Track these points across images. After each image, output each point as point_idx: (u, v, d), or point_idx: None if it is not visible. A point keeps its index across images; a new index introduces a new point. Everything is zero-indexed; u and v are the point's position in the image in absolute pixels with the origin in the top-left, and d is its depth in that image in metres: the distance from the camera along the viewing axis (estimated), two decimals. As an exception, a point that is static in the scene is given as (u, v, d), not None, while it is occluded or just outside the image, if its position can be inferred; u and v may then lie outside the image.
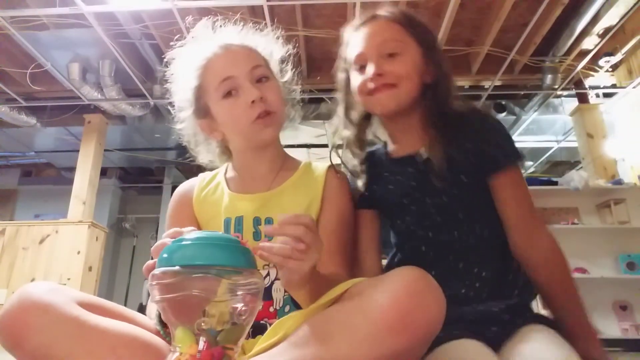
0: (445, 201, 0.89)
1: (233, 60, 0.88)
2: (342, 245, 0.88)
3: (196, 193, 0.98)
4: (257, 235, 0.88)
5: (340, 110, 1.01)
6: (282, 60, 0.99)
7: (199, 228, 0.95)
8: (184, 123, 0.97)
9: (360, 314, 0.59)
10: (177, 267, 0.55)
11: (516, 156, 0.87)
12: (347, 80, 0.98)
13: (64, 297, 0.65)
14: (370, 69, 0.89)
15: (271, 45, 0.98)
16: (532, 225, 0.84)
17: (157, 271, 0.56)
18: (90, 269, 3.38)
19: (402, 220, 0.94)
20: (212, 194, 0.97)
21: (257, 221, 0.89)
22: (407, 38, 0.91)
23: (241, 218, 0.90)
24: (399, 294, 0.57)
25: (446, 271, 0.86)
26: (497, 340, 0.78)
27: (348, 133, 0.99)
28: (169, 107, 1.00)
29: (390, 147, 0.98)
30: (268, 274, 0.87)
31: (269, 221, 0.88)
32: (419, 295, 0.57)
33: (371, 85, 0.89)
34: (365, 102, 0.93)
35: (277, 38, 0.99)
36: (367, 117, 0.99)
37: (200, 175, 1.03)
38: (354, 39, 0.95)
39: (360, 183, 0.95)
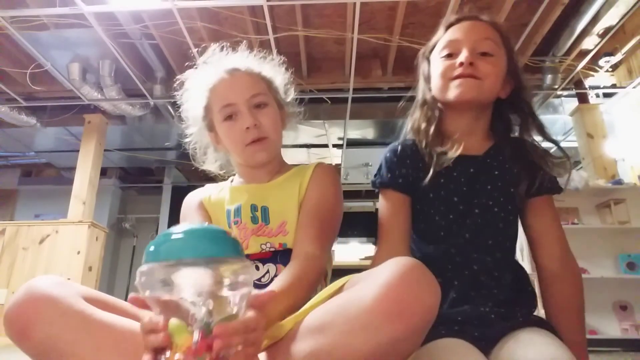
0: (490, 205, 0.92)
1: (235, 87, 0.96)
2: (319, 223, 0.90)
3: (206, 196, 1.04)
4: (254, 220, 0.95)
5: (418, 99, 1.02)
6: (285, 84, 1.08)
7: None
8: (195, 134, 1.06)
9: (355, 303, 0.59)
10: (163, 262, 0.54)
11: (560, 186, 0.96)
12: (428, 70, 1.00)
13: (70, 291, 0.66)
14: (463, 56, 0.90)
15: (275, 70, 1.06)
16: (566, 244, 0.93)
17: (144, 267, 0.55)
18: (90, 269, 3.38)
19: (443, 216, 0.93)
20: (217, 194, 1.05)
21: (254, 208, 0.96)
22: (502, 47, 0.94)
23: (239, 206, 0.97)
24: (393, 282, 0.57)
25: (468, 283, 0.87)
26: (488, 342, 0.79)
27: (420, 123, 0.98)
28: (171, 110, 1.06)
29: (445, 144, 0.95)
30: (268, 272, 0.89)
31: (264, 209, 0.95)
32: (413, 283, 0.57)
33: (458, 70, 0.91)
34: (444, 86, 0.93)
35: (282, 64, 1.07)
36: (438, 112, 0.97)
37: (207, 185, 1.10)
38: (451, 29, 0.96)
39: (416, 173, 0.94)
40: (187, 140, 1.08)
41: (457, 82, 0.91)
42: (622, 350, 2.87)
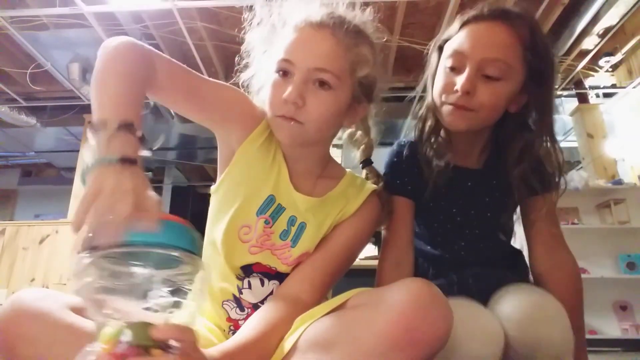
0: (488, 216, 0.94)
1: (310, 48, 0.76)
2: (332, 270, 0.82)
3: (257, 132, 0.83)
4: (284, 235, 0.83)
5: (428, 95, 0.92)
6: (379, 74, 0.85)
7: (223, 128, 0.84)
8: (262, 62, 0.86)
9: (364, 326, 0.58)
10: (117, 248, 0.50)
11: (553, 186, 0.91)
12: (437, 62, 0.90)
13: (56, 304, 0.63)
14: (461, 81, 0.80)
15: (375, 53, 0.82)
16: (560, 242, 0.93)
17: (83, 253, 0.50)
18: (90, 269, 3.38)
19: (441, 225, 0.96)
20: (265, 149, 0.83)
21: (291, 221, 0.83)
22: (518, 63, 0.81)
23: (283, 210, 0.83)
24: (405, 308, 0.55)
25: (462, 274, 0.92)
26: (484, 296, 0.85)
27: (430, 122, 0.92)
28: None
29: (445, 154, 0.92)
30: (263, 283, 0.84)
31: (301, 227, 0.83)
32: (425, 310, 0.55)
33: (453, 97, 0.82)
34: (440, 105, 0.86)
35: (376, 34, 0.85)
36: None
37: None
38: (463, 31, 0.84)
39: (419, 180, 0.92)
40: (250, 68, 0.87)
41: (449, 109, 0.83)
42: (622, 351, 2.87)
